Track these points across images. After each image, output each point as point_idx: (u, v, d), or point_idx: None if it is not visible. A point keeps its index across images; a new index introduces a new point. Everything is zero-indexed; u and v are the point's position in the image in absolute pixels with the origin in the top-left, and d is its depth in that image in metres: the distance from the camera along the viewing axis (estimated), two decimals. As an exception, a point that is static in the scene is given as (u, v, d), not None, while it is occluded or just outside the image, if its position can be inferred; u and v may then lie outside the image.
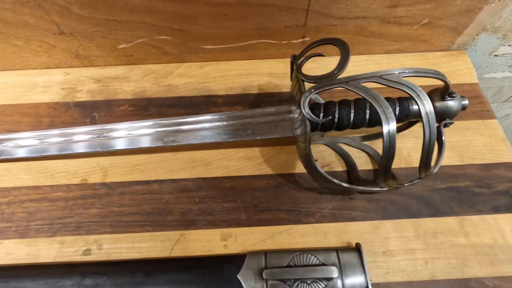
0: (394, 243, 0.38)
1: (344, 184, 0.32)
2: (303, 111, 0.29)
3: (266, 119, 0.38)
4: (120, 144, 0.40)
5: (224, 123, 0.39)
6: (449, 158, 0.43)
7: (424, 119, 0.28)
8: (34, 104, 0.49)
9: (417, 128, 0.39)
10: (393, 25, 0.47)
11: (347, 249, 0.36)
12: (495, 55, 0.57)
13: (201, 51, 0.50)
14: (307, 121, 0.30)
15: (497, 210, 0.39)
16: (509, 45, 0.54)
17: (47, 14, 0.42)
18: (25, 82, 0.51)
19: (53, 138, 0.41)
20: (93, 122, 0.47)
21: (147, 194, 0.41)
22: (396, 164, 0.40)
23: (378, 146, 0.44)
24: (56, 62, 0.51)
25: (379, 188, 0.33)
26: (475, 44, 0.53)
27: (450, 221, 0.39)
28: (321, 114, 0.32)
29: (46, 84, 0.51)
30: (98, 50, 0.49)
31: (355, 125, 0.32)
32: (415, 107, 0.31)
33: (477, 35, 0.51)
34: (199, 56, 0.51)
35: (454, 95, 0.32)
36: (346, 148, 0.43)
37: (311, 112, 0.29)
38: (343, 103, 0.32)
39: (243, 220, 0.40)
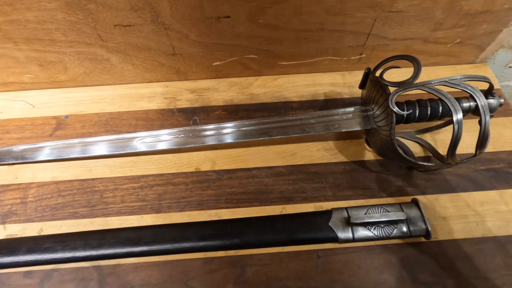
0: (451, 211, 0.48)
1: (419, 162, 0.44)
2: (390, 105, 0.40)
3: (348, 116, 0.50)
4: (230, 138, 0.52)
5: (314, 120, 0.50)
6: (485, 147, 0.54)
7: (481, 110, 0.39)
8: (144, 110, 0.60)
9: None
10: (432, 44, 0.59)
11: (407, 203, 0.47)
12: (510, 67, 0.70)
13: (277, 66, 0.62)
14: (394, 114, 0.41)
15: (527, 184, 0.50)
16: (521, 58, 0.67)
17: (169, 39, 0.54)
18: (133, 94, 0.63)
19: (166, 136, 0.52)
20: (195, 124, 0.59)
21: (250, 178, 0.52)
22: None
23: (427, 138, 0.55)
24: (159, 77, 0.63)
25: (444, 164, 0.44)
26: (494, 58, 0.66)
27: (492, 194, 0.50)
28: (405, 109, 0.44)
29: (150, 95, 0.62)
30: (196, 67, 0.61)
31: (431, 117, 0.44)
32: (472, 103, 0.42)
33: (496, 51, 0.63)
34: (274, 70, 0.64)
35: (494, 94, 0.44)
36: (402, 140, 0.55)
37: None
38: (421, 101, 0.44)
39: (329, 196, 0.50)
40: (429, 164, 0.45)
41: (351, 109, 0.50)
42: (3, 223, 0.49)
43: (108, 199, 0.50)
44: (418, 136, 0.55)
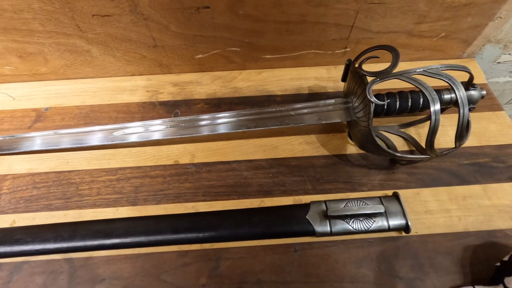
0: (433, 205, 0.47)
1: (398, 154, 0.43)
2: (367, 95, 0.39)
3: (328, 108, 0.49)
4: (207, 131, 0.51)
5: (294, 112, 0.49)
6: (470, 141, 0.53)
7: (460, 101, 0.38)
8: (125, 103, 0.60)
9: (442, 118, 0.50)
10: (417, 38, 0.59)
11: (387, 196, 0.46)
12: (498, 62, 0.69)
13: (261, 60, 0.62)
14: (371, 104, 0.40)
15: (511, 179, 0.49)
16: (509, 54, 0.66)
17: (149, 30, 0.54)
18: (115, 87, 0.62)
19: (155, 126, 0.52)
20: (176, 116, 0.58)
21: (229, 171, 0.51)
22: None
23: (412, 132, 0.54)
24: (141, 70, 0.62)
25: (424, 156, 0.43)
26: (482, 53, 0.65)
27: (475, 188, 0.49)
28: (385, 99, 0.43)
29: (133, 88, 0.62)
30: (179, 60, 0.60)
31: (412, 109, 0.43)
32: (453, 95, 0.41)
33: (483, 45, 0.63)
34: (258, 64, 0.63)
35: (475, 86, 0.43)
36: (385, 134, 0.54)
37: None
38: (402, 93, 0.43)
39: (309, 190, 0.49)
40: (409, 156, 0.44)
41: (332, 101, 0.49)
42: (-24, 215, 0.48)
43: (83, 191, 0.49)
44: (402, 130, 0.54)
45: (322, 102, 0.49)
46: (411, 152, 0.53)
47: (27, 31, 0.52)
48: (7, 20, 0.50)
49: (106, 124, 0.56)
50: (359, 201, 0.45)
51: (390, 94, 0.45)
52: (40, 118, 0.58)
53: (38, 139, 0.52)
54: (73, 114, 0.58)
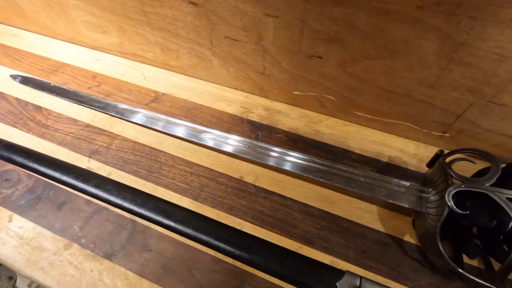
0: None
1: (460, 270, 0.39)
2: (446, 198, 0.38)
3: (400, 189, 0.47)
4: (273, 162, 0.55)
5: (364, 179, 0.50)
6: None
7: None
8: (221, 111, 0.68)
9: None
10: (535, 151, 0.52)
11: None
12: None
13: (351, 114, 0.63)
14: (447, 208, 0.38)
15: None
16: None
17: (263, 60, 0.61)
18: (218, 94, 0.72)
19: (233, 141, 0.58)
20: (256, 138, 0.64)
21: (282, 206, 0.54)
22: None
23: (488, 249, 0.48)
24: (244, 87, 0.71)
25: (489, 286, 0.39)
26: None
27: None
28: (466, 206, 0.40)
29: (231, 100, 0.70)
30: (278, 90, 0.66)
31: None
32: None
33: None
34: (347, 117, 0.64)
35: None
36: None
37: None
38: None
39: (350, 258, 0.49)
40: (471, 277, 0.40)
41: (407, 183, 0.47)
42: (90, 156, 0.62)
43: (163, 171, 0.59)
44: (477, 241, 0.48)
45: (396, 181, 0.48)
46: (478, 271, 0.47)
47: (174, 34, 0.65)
48: (165, 23, 0.63)
49: (200, 123, 0.66)
50: (397, 296, 0.42)
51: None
52: (156, 100, 0.71)
53: (148, 115, 0.65)
54: (180, 105, 0.70)
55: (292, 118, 0.67)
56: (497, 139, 0.53)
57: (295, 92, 0.65)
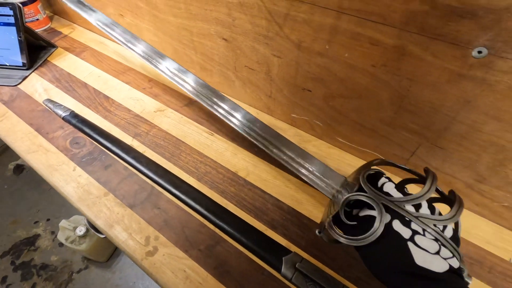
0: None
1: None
2: (339, 209, 0.51)
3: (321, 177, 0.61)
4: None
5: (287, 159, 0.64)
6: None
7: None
8: (234, 120, 0.87)
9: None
10: (477, 194, 0.61)
11: None
12: None
13: (334, 139, 0.78)
14: (336, 211, 0.51)
15: None
16: None
17: (270, 86, 0.79)
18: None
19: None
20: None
21: (261, 198, 0.70)
22: None
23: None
24: (256, 105, 0.89)
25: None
26: (559, 248, 0.59)
27: None
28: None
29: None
30: (280, 111, 0.84)
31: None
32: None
33: (559, 240, 0.58)
34: (331, 141, 0.79)
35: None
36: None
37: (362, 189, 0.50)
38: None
39: (302, 245, 0.62)
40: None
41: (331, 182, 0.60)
42: (133, 137, 0.84)
43: (181, 157, 0.79)
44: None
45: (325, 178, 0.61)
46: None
47: (210, 58, 0.87)
48: (205, 49, 0.85)
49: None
50: (324, 279, 0.55)
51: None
52: (189, 104, 0.93)
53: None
54: (206, 112, 0.90)
55: (288, 135, 0.82)
56: (444, 177, 0.64)
57: (293, 115, 0.82)
